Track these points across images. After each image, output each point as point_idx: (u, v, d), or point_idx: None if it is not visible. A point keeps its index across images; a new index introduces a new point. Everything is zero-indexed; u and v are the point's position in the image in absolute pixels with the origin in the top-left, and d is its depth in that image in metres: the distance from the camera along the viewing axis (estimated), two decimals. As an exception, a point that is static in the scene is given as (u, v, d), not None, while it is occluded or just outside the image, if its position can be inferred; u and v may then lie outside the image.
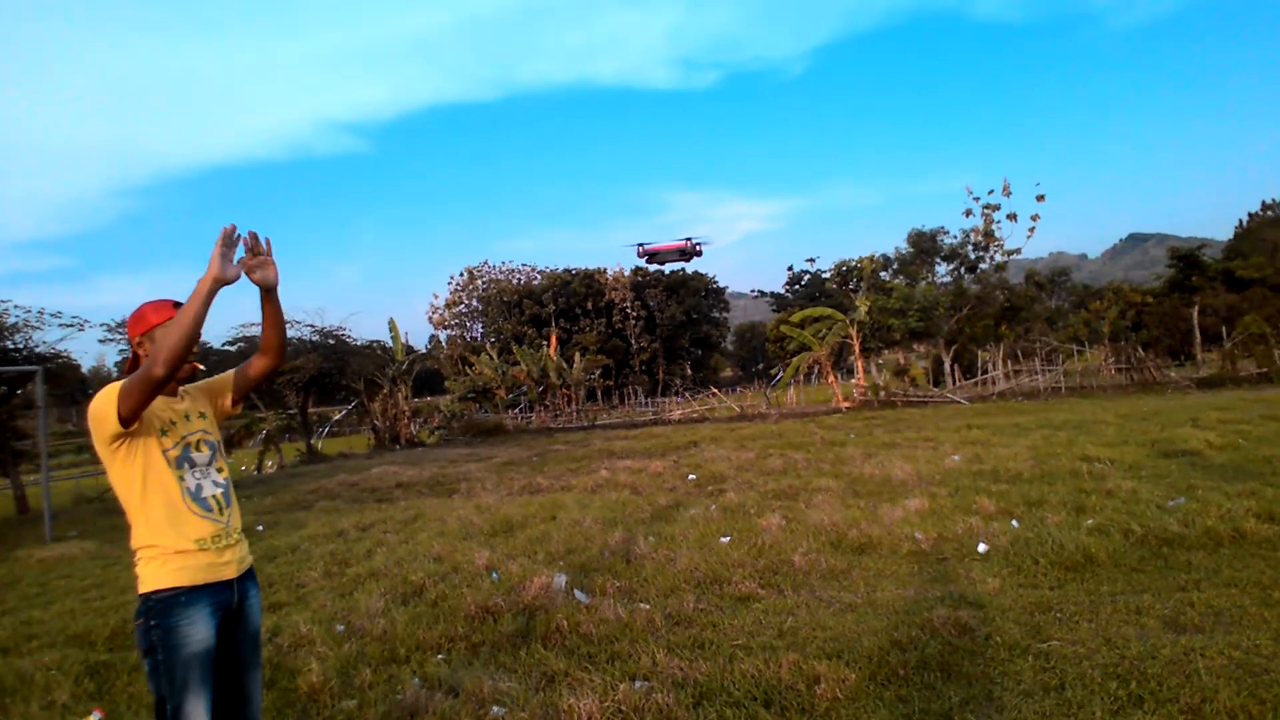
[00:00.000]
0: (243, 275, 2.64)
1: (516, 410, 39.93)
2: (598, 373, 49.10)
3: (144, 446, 2.59)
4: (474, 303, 68.10)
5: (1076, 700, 3.62)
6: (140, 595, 2.57)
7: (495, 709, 3.93)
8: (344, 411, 39.86)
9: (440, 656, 4.91)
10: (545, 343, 50.56)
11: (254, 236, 2.69)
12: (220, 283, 2.52)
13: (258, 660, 2.84)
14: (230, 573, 2.70)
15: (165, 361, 2.41)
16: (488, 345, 52.25)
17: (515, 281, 68.12)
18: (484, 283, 68.13)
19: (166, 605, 2.53)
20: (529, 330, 60.49)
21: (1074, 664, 4.02)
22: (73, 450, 41.65)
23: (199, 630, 2.55)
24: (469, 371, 47.09)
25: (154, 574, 2.56)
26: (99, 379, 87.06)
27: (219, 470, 2.79)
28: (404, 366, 31.69)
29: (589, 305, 63.64)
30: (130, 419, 2.49)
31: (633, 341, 63.20)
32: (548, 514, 9.45)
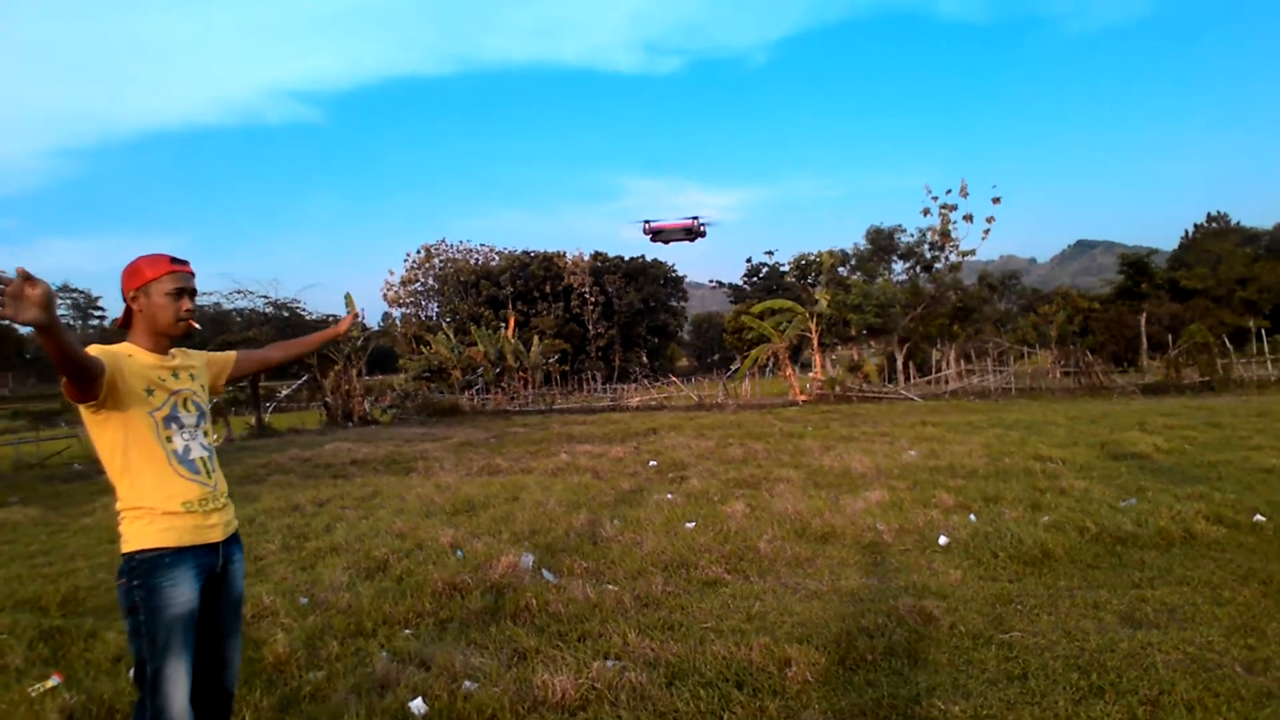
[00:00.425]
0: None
1: (472, 392, 39.62)
2: (555, 357, 48.91)
3: (127, 410, 2.51)
4: (430, 281, 67.32)
5: (1039, 689, 3.72)
6: (124, 555, 2.52)
7: (468, 683, 3.91)
8: (294, 386, 39.24)
9: (408, 631, 4.88)
10: (503, 324, 50.24)
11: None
12: (29, 324, 2.05)
13: (238, 627, 2.80)
14: (216, 535, 2.65)
15: (74, 376, 2.31)
16: (444, 325, 51.76)
17: (473, 261, 67.48)
18: (441, 261, 67.35)
19: (150, 565, 2.48)
20: (486, 311, 60.00)
21: (1036, 654, 4.13)
22: (7, 415, 40.42)
23: (182, 592, 2.51)
24: (424, 351, 46.61)
25: (139, 534, 2.50)
26: (37, 343, 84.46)
27: (205, 434, 2.73)
28: (359, 343, 31.24)
29: (547, 289, 63.32)
30: (83, 401, 2.42)
31: (590, 327, 63.07)
32: (510, 495, 9.42)
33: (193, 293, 2.69)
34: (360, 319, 2.55)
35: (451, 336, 44.33)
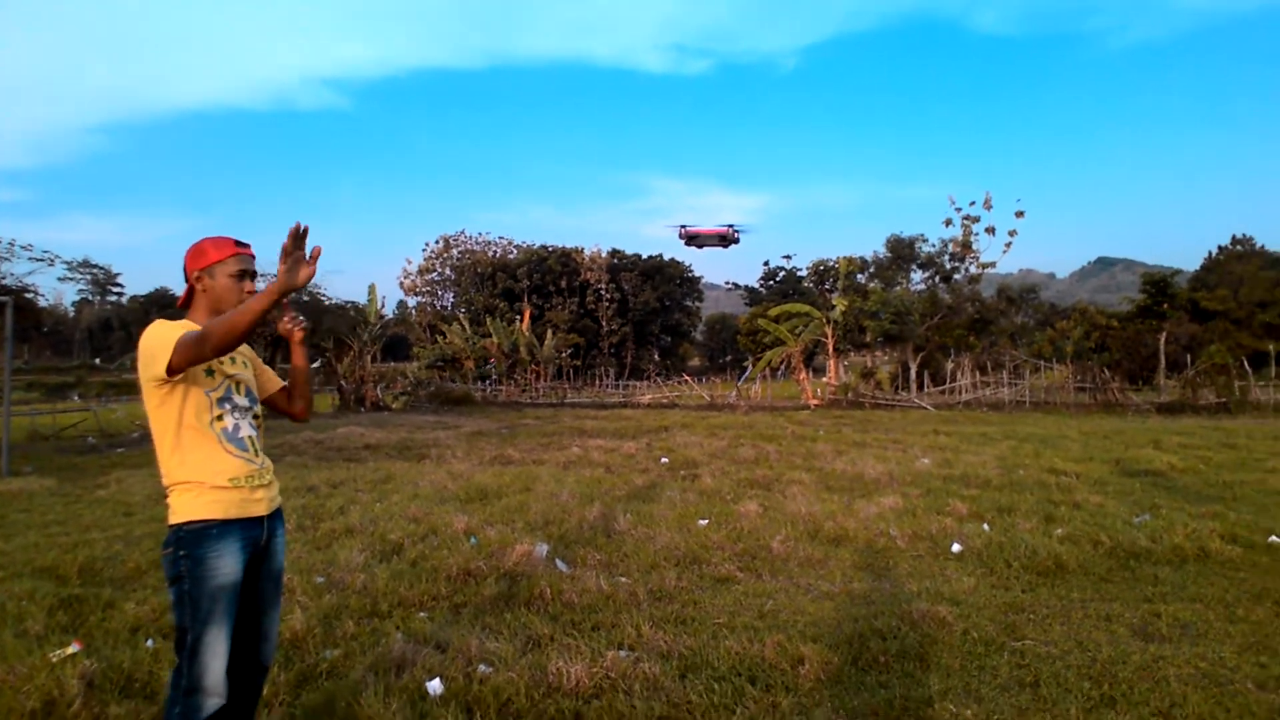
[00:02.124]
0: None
1: (485, 383, 39.75)
2: (568, 351, 49.05)
3: (187, 388, 2.58)
4: (447, 271, 67.55)
5: (1051, 697, 3.74)
6: (171, 526, 2.58)
7: (483, 667, 3.95)
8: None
9: (423, 614, 4.92)
10: (518, 317, 50.35)
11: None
12: (290, 291, 2.41)
13: (278, 600, 2.86)
14: (262, 509, 2.71)
15: (215, 348, 2.41)
16: (459, 315, 51.90)
17: (491, 253, 67.66)
18: (459, 252, 67.57)
19: (197, 536, 2.54)
20: (501, 303, 60.14)
21: (1048, 663, 4.14)
22: (22, 387, 40.86)
23: (227, 563, 2.56)
24: (439, 340, 46.81)
25: (187, 505, 2.56)
26: (54, 317, 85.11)
27: (255, 416, 2.81)
28: (376, 330, 31.41)
29: (563, 283, 63.41)
30: (177, 372, 2.49)
31: (604, 323, 63.15)
32: (523, 485, 9.47)
33: (254, 275, 2.75)
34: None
35: (466, 327, 44.47)
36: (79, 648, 4.23)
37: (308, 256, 2.41)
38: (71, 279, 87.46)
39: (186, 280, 2.71)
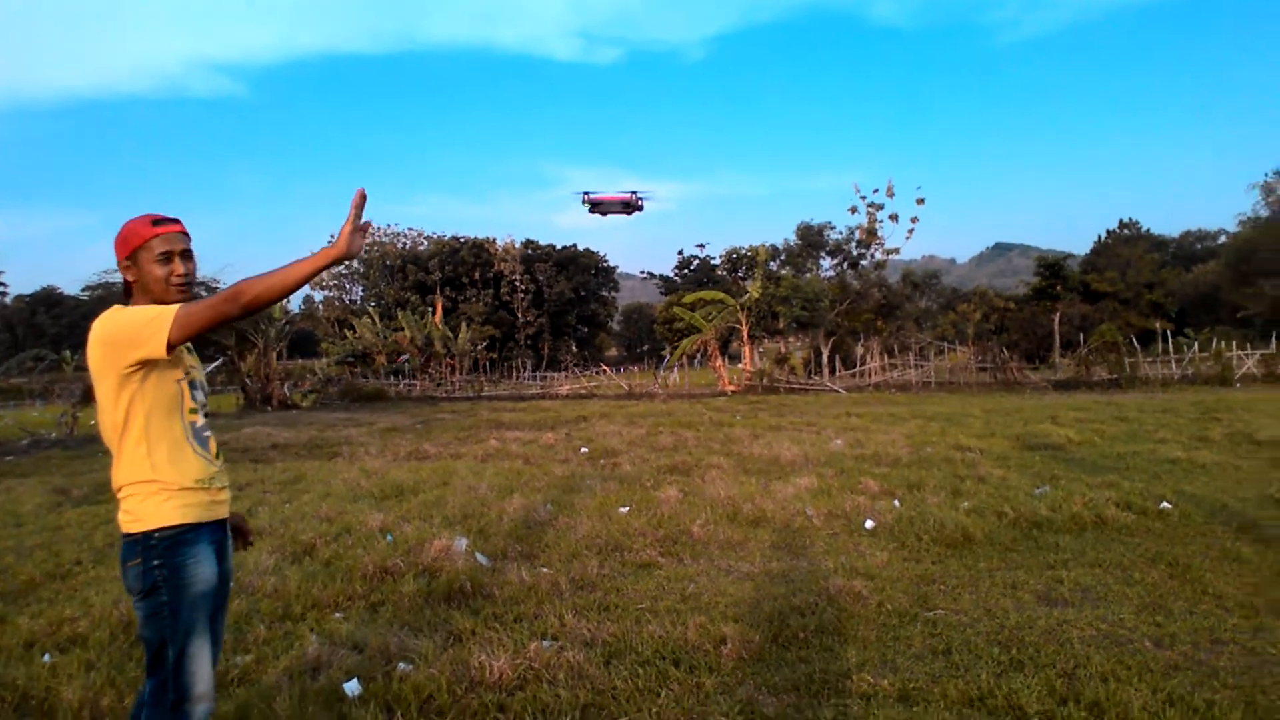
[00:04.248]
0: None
1: (399, 377, 38.95)
2: (484, 344, 48.45)
3: (158, 377, 2.39)
4: (355, 264, 65.86)
5: (963, 663, 3.87)
6: (137, 534, 2.37)
7: (402, 665, 3.86)
8: (209, 368, 37.97)
9: (339, 615, 4.79)
10: (430, 310, 49.49)
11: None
12: (348, 259, 2.33)
13: (227, 603, 2.73)
14: (224, 512, 2.58)
15: (249, 304, 2.24)
16: (369, 309, 50.72)
17: (400, 245, 66.28)
18: (367, 244, 65.98)
19: (172, 543, 2.37)
20: (413, 297, 59.02)
21: (959, 631, 4.29)
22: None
23: (205, 568, 2.43)
24: (348, 335, 45.63)
25: (155, 510, 2.37)
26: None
27: (208, 414, 2.64)
28: (281, 325, 30.41)
29: (477, 275, 62.61)
30: (175, 346, 2.29)
31: (520, 315, 62.63)
32: (440, 480, 9.31)
33: (186, 254, 2.50)
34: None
35: (377, 321, 43.50)
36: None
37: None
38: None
39: (119, 271, 2.49)
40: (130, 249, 2.45)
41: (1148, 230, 58.75)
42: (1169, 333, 31.79)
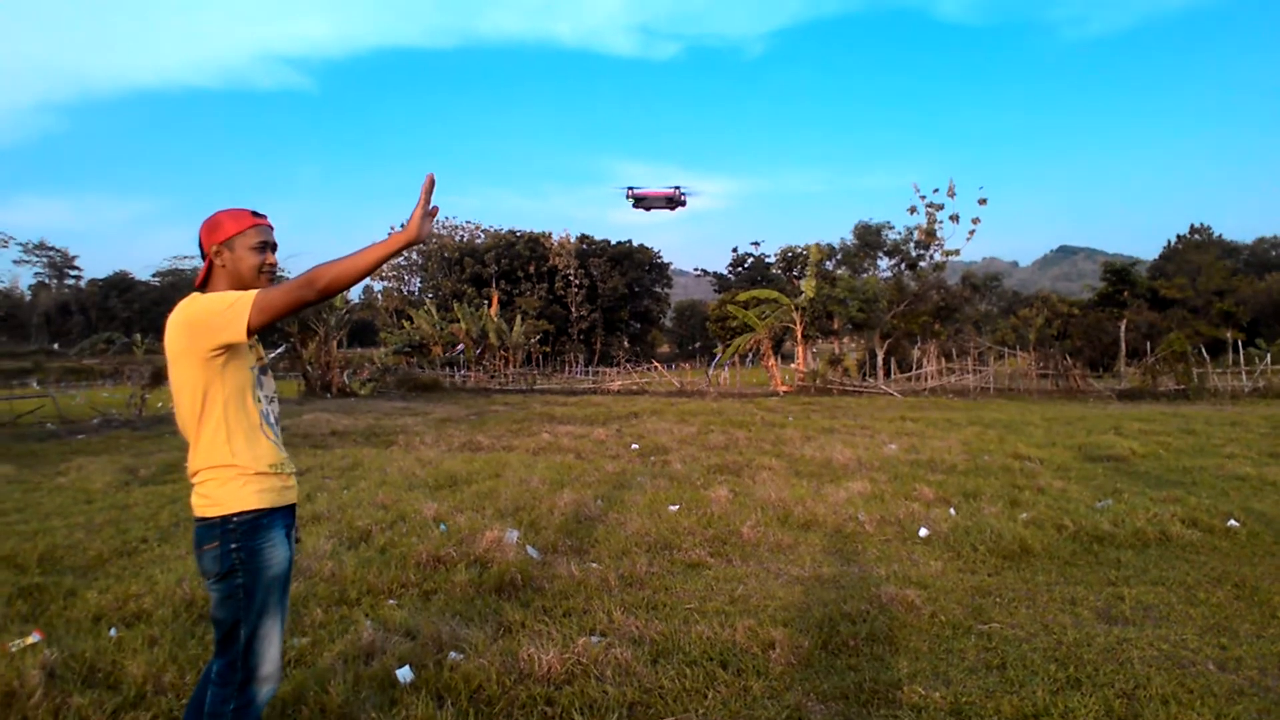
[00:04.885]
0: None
1: (453, 369, 39.48)
2: (537, 338, 48.85)
3: (236, 363, 2.47)
4: (414, 256, 66.93)
5: (1018, 679, 3.79)
6: (215, 518, 2.45)
7: (454, 654, 3.92)
8: (272, 355, 38.96)
9: (393, 601, 4.88)
10: (486, 303, 50.03)
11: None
12: (417, 243, 2.42)
13: (289, 587, 2.82)
14: (294, 497, 2.66)
15: (325, 289, 2.31)
16: (427, 300, 51.48)
17: (458, 238, 67.13)
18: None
19: (250, 527, 2.46)
20: (469, 289, 59.74)
21: (1014, 645, 4.20)
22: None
23: (280, 551, 2.52)
24: (406, 325, 46.37)
25: (234, 495, 2.45)
26: (10, 301, 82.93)
27: (275, 402, 2.74)
28: (342, 315, 31.07)
29: (531, 269, 63.11)
30: (255, 330, 2.37)
31: (573, 309, 62.98)
32: (492, 471, 9.42)
33: (274, 246, 2.63)
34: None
35: (434, 312, 44.15)
36: (40, 638, 4.14)
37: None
38: (27, 262, 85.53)
39: (204, 256, 2.57)
40: (228, 235, 2.54)
41: (1219, 236, 56.80)
42: (1240, 343, 30.74)
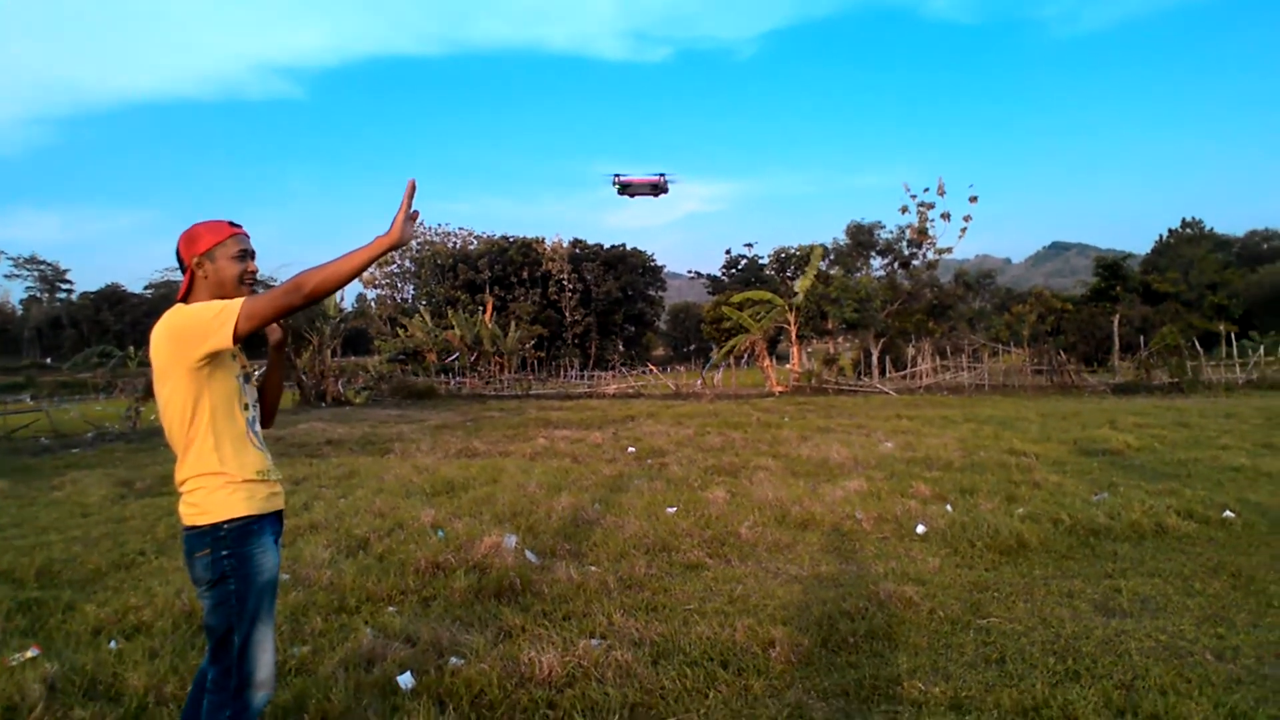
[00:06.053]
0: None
1: (449, 375, 39.46)
2: (532, 343, 48.83)
3: (223, 373, 2.50)
4: (407, 263, 66.81)
5: (1017, 673, 3.81)
6: (205, 525, 2.47)
7: (454, 659, 3.93)
8: (264, 365, 38.83)
9: (392, 608, 4.89)
10: (480, 309, 50.04)
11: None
12: (399, 247, 2.42)
13: (276, 592, 2.83)
14: (282, 503, 2.69)
15: (311, 294, 2.32)
16: (421, 308, 51.44)
17: (451, 245, 67.01)
18: (418, 243, 66.79)
19: (240, 534, 2.48)
20: (463, 295, 59.64)
21: (1013, 639, 4.22)
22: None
23: (270, 558, 2.54)
24: (400, 333, 46.34)
25: (223, 502, 2.47)
26: (2, 316, 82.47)
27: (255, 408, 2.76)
28: (336, 323, 31.03)
29: (525, 274, 63.01)
30: (243, 337, 2.39)
31: (567, 314, 62.91)
32: (489, 477, 9.42)
33: (253, 254, 2.66)
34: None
35: (428, 319, 44.11)
36: (38, 652, 4.13)
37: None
38: (18, 276, 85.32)
39: (184, 269, 2.59)
40: (208, 246, 2.57)
41: (1211, 229, 56.98)
42: (1233, 336, 30.79)
